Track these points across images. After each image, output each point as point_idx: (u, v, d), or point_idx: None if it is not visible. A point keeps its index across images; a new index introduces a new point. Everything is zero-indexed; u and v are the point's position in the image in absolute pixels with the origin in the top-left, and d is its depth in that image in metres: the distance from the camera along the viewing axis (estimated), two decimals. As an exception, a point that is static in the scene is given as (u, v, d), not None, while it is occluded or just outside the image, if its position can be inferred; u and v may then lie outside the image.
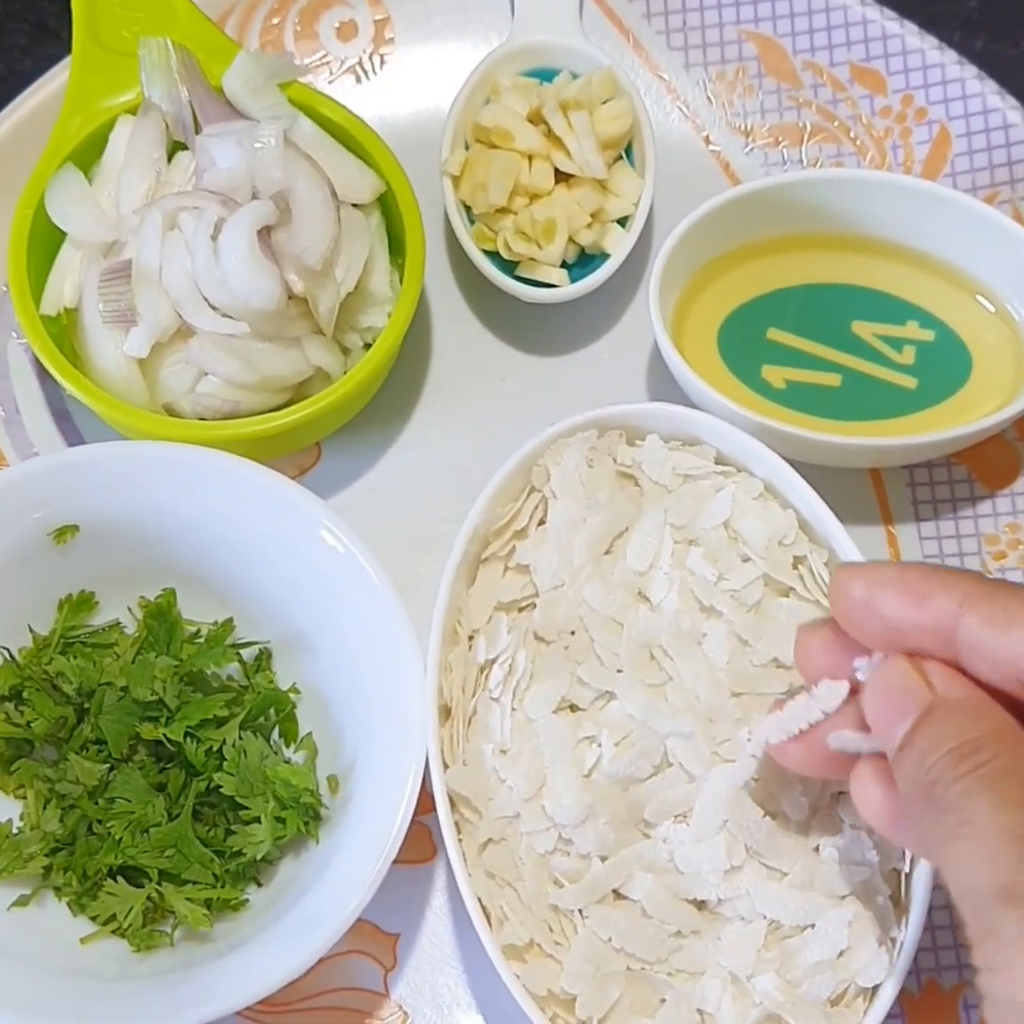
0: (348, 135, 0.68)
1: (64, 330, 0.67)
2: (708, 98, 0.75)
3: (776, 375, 0.69)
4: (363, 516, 0.69)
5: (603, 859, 0.56)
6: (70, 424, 0.71)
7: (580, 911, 0.56)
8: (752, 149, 0.74)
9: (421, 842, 0.65)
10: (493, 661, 0.59)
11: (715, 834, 0.56)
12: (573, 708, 0.59)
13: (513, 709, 0.58)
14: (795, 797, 0.56)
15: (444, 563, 0.67)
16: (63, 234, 0.67)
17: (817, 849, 0.57)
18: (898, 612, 0.48)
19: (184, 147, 0.68)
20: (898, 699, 0.48)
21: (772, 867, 0.56)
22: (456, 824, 0.58)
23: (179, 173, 0.67)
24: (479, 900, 0.56)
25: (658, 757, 0.57)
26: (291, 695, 0.64)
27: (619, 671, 0.58)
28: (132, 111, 0.68)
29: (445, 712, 0.59)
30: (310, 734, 0.64)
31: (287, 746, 0.64)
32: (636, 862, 0.56)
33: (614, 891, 0.57)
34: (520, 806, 0.57)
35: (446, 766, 0.58)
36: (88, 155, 0.68)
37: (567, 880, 0.57)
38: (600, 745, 0.57)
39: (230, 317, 0.63)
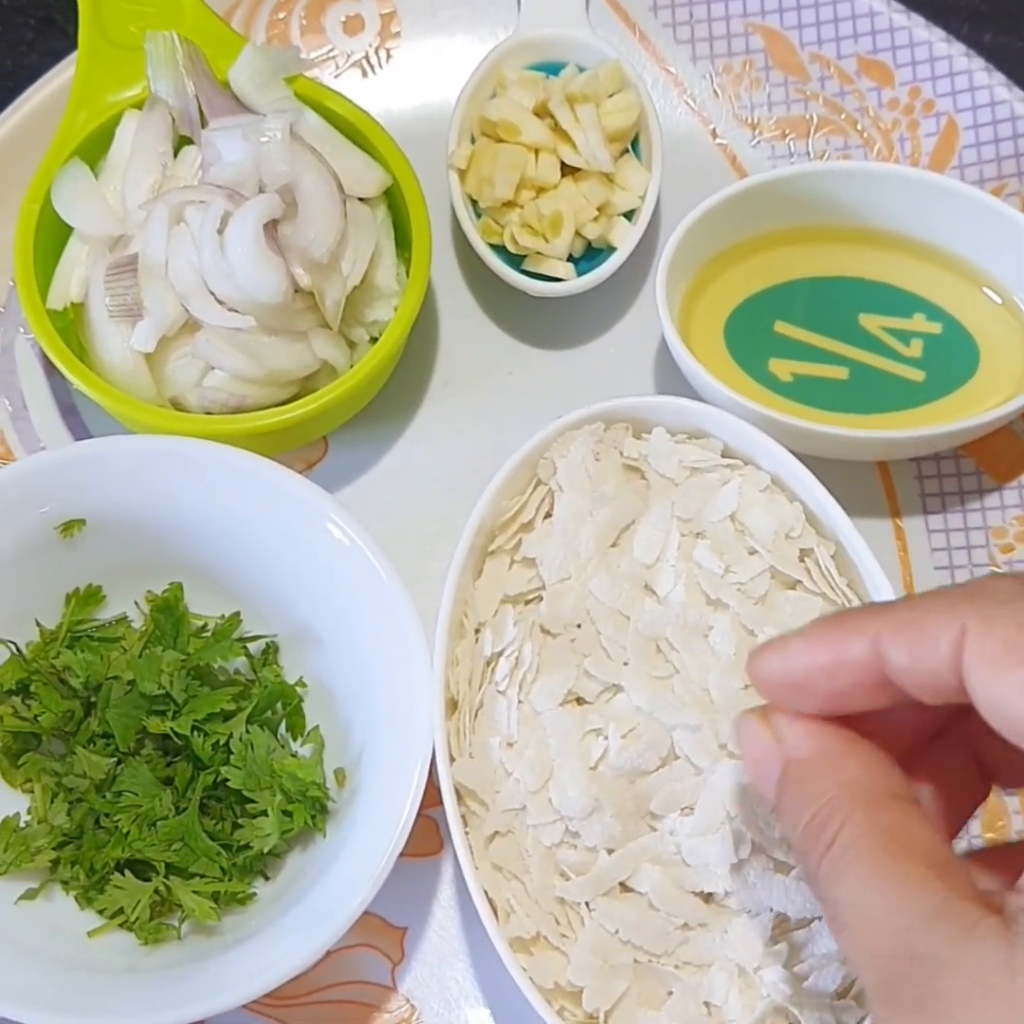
0: (354, 129, 0.68)
1: (71, 324, 0.67)
2: (715, 91, 0.75)
3: (783, 368, 0.69)
4: (370, 510, 0.69)
5: (610, 852, 0.56)
6: (77, 419, 0.71)
7: (587, 904, 0.56)
8: (759, 142, 0.74)
9: (428, 835, 0.65)
10: (499, 654, 0.59)
11: (722, 827, 0.56)
12: (580, 701, 0.59)
13: (520, 702, 0.58)
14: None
15: (451, 557, 0.67)
16: (70, 229, 0.67)
17: (824, 842, 0.57)
18: (804, 662, 0.45)
19: (190, 141, 0.68)
20: (759, 761, 0.47)
21: (779, 860, 0.56)
22: (463, 817, 0.58)
23: (185, 167, 0.67)
24: (486, 893, 0.56)
25: (665, 749, 0.57)
26: (298, 689, 0.64)
27: (626, 664, 0.58)
28: (138, 105, 0.68)
29: (452, 705, 0.59)
30: (317, 727, 0.64)
31: (294, 740, 0.64)
32: (643, 855, 0.56)
33: (621, 884, 0.57)
34: (527, 799, 0.57)
35: (453, 759, 0.58)
36: (94, 150, 0.68)
37: (574, 873, 0.57)
38: (607, 738, 0.57)
39: (237, 311, 0.63)
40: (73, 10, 0.70)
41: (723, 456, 0.62)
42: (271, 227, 0.63)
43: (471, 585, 0.61)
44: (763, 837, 0.56)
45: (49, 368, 0.71)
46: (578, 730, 0.57)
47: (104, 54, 0.69)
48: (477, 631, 0.60)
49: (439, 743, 0.57)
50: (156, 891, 0.60)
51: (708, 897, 0.57)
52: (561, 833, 0.57)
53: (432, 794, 0.58)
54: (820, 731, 0.46)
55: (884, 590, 0.59)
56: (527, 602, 0.61)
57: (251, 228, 0.62)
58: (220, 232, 0.63)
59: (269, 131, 0.64)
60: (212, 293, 0.63)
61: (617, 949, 0.56)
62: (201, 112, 0.67)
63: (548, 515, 0.61)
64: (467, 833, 0.57)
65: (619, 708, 0.58)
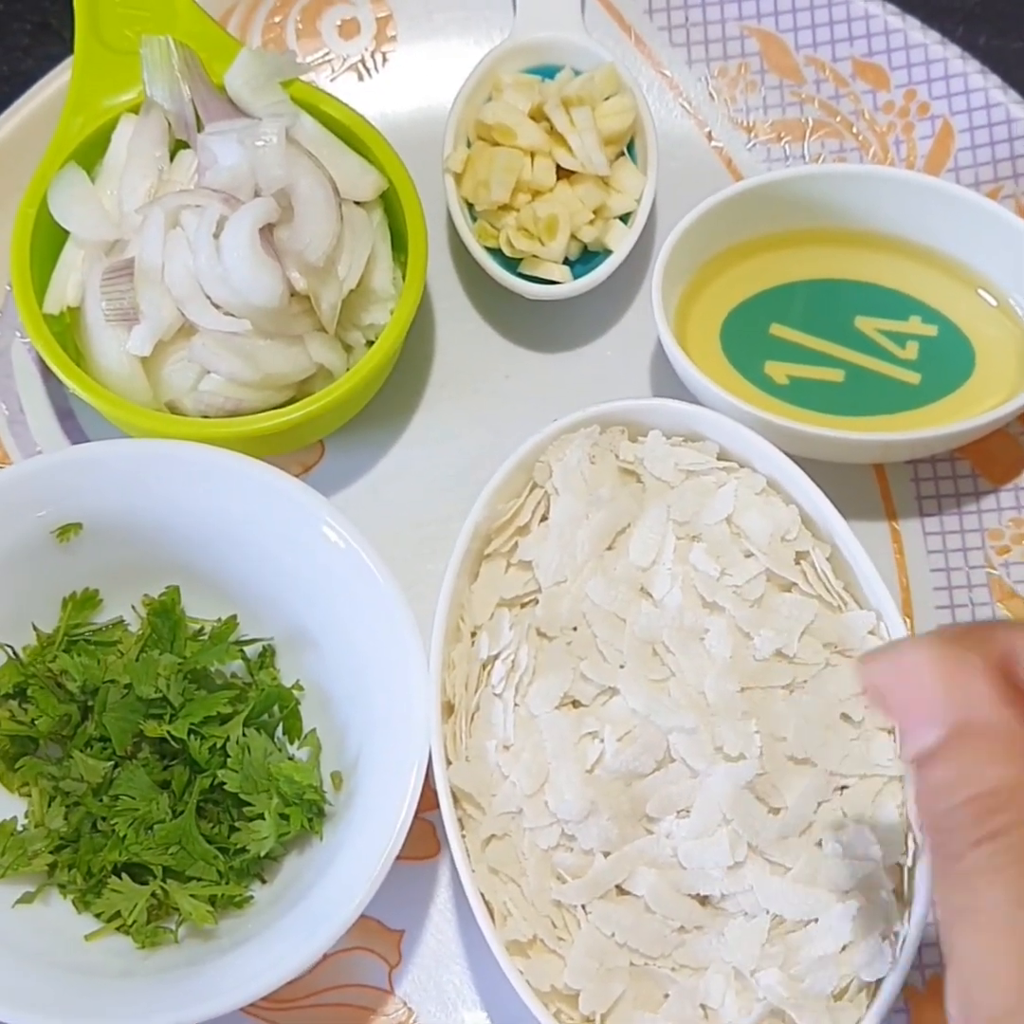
0: (350, 132, 0.68)
1: (67, 329, 0.67)
2: (710, 94, 0.75)
3: (779, 371, 0.69)
4: (366, 513, 0.69)
5: (606, 855, 0.57)
6: (74, 423, 0.71)
7: (583, 907, 0.56)
8: (754, 145, 0.74)
9: (425, 838, 0.65)
10: (495, 657, 0.59)
11: (718, 829, 0.56)
12: (575, 704, 0.59)
13: (516, 705, 0.58)
14: (798, 792, 0.56)
15: (447, 560, 0.67)
16: (66, 233, 0.67)
17: (820, 844, 0.57)
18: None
19: (186, 145, 0.68)
20: (919, 701, 0.41)
21: (775, 862, 0.56)
22: (459, 820, 0.58)
23: (181, 171, 0.67)
24: (482, 896, 0.56)
25: (661, 752, 0.57)
26: (295, 692, 0.64)
27: (622, 667, 0.58)
28: (134, 110, 0.68)
29: (448, 709, 0.59)
30: (314, 730, 0.64)
31: (291, 743, 0.64)
32: (639, 857, 0.56)
33: (617, 886, 0.57)
34: (523, 802, 0.57)
35: (449, 762, 0.58)
36: (91, 154, 0.68)
37: (570, 876, 0.57)
38: (603, 741, 0.57)
39: (232, 315, 0.63)
40: (69, 15, 0.70)
41: (719, 459, 0.62)
42: (267, 231, 0.63)
43: (467, 588, 0.61)
44: (759, 839, 0.56)
45: (46, 372, 0.71)
46: (574, 733, 0.57)
47: (100, 59, 0.69)
48: (473, 634, 0.60)
49: (436, 747, 0.57)
50: (153, 895, 0.60)
51: (704, 900, 0.57)
52: (557, 836, 0.57)
53: (429, 797, 0.58)
54: (1016, 703, 0.40)
55: (880, 593, 0.59)
56: (523, 605, 0.61)
57: (247, 232, 0.62)
58: (216, 236, 0.63)
59: (265, 135, 0.64)
60: (208, 297, 0.63)
61: (613, 952, 0.56)
62: (197, 116, 0.67)
63: (544, 518, 0.62)
64: (464, 836, 0.58)
65: (615, 711, 0.58)
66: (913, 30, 0.73)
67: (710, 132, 0.75)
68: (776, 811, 0.57)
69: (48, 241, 0.67)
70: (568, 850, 0.57)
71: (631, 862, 0.56)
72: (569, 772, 0.57)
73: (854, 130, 0.74)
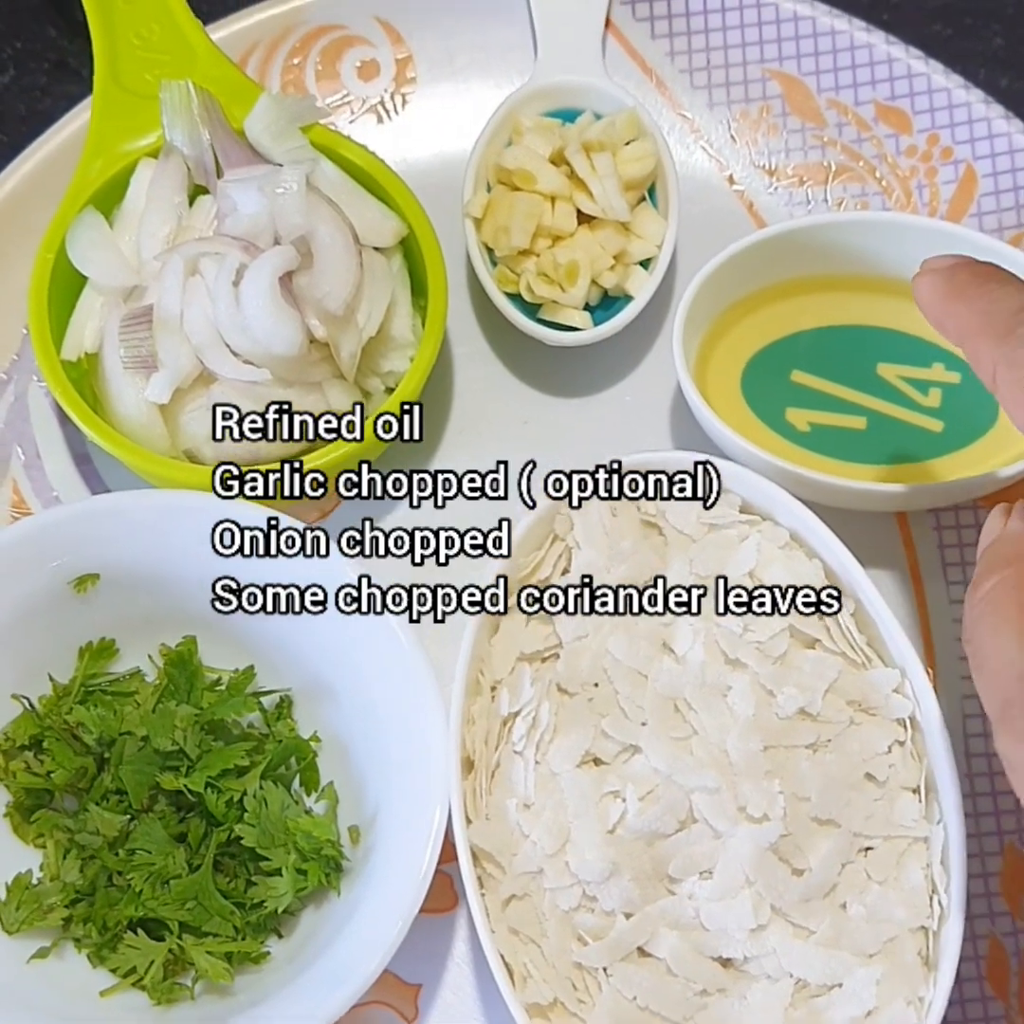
0: (370, 177, 0.68)
1: (85, 375, 0.67)
2: (732, 137, 0.75)
3: (800, 418, 0.69)
4: (382, 560, 0.69)
5: (627, 916, 0.56)
6: (90, 467, 0.71)
7: (604, 969, 0.56)
8: (777, 188, 0.74)
9: (442, 891, 0.64)
10: (516, 714, 0.59)
11: (741, 891, 0.55)
12: (597, 761, 0.58)
13: (536, 763, 0.58)
14: (822, 853, 0.56)
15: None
16: (84, 279, 0.67)
17: (844, 906, 0.56)
18: None
19: (205, 191, 0.67)
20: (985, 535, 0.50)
21: (799, 924, 0.56)
22: (479, 878, 0.57)
23: (201, 217, 0.66)
24: (502, 957, 0.56)
25: (683, 812, 0.56)
26: (312, 743, 0.64)
27: (643, 724, 0.58)
28: (153, 154, 0.68)
29: (467, 764, 0.58)
30: (331, 783, 0.63)
31: (307, 795, 0.64)
32: (661, 919, 0.56)
33: (639, 948, 0.56)
34: (544, 862, 0.56)
35: (469, 820, 0.57)
36: (109, 198, 0.68)
37: (591, 937, 0.56)
38: (625, 800, 0.57)
39: (251, 363, 0.63)
40: (87, 54, 0.70)
41: (741, 512, 0.62)
42: (287, 279, 0.63)
43: (487, 641, 0.60)
44: (783, 901, 0.55)
45: (62, 417, 0.71)
46: (595, 792, 0.57)
47: (119, 102, 0.68)
48: (493, 689, 0.60)
49: (456, 804, 0.57)
50: (169, 950, 0.60)
51: (727, 962, 0.56)
52: (579, 897, 0.56)
53: (447, 850, 0.57)
54: None
55: (904, 649, 0.59)
56: (544, 660, 0.60)
57: (267, 281, 0.62)
58: (236, 284, 0.63)
59: (285, 183, 0.63)
60: (227, 345, 0.63)
61: (635, 1015, 0.55)
62: (217, 161, 0.67)
63: (565, 571, 0.61)
64: (483, 895, 0.57)
65: (637, 769, 0.57)
66: (936, 73, 0.73)
67: (731, 175, 0.74)
68: (800, 873, 0.56)
69: (66, 286, 0.66)
70: (589, 911, 0.56)
71: (653, 923, 0.56)
72: (590, 832, 0.56)
73: (877, 174, 0.73)
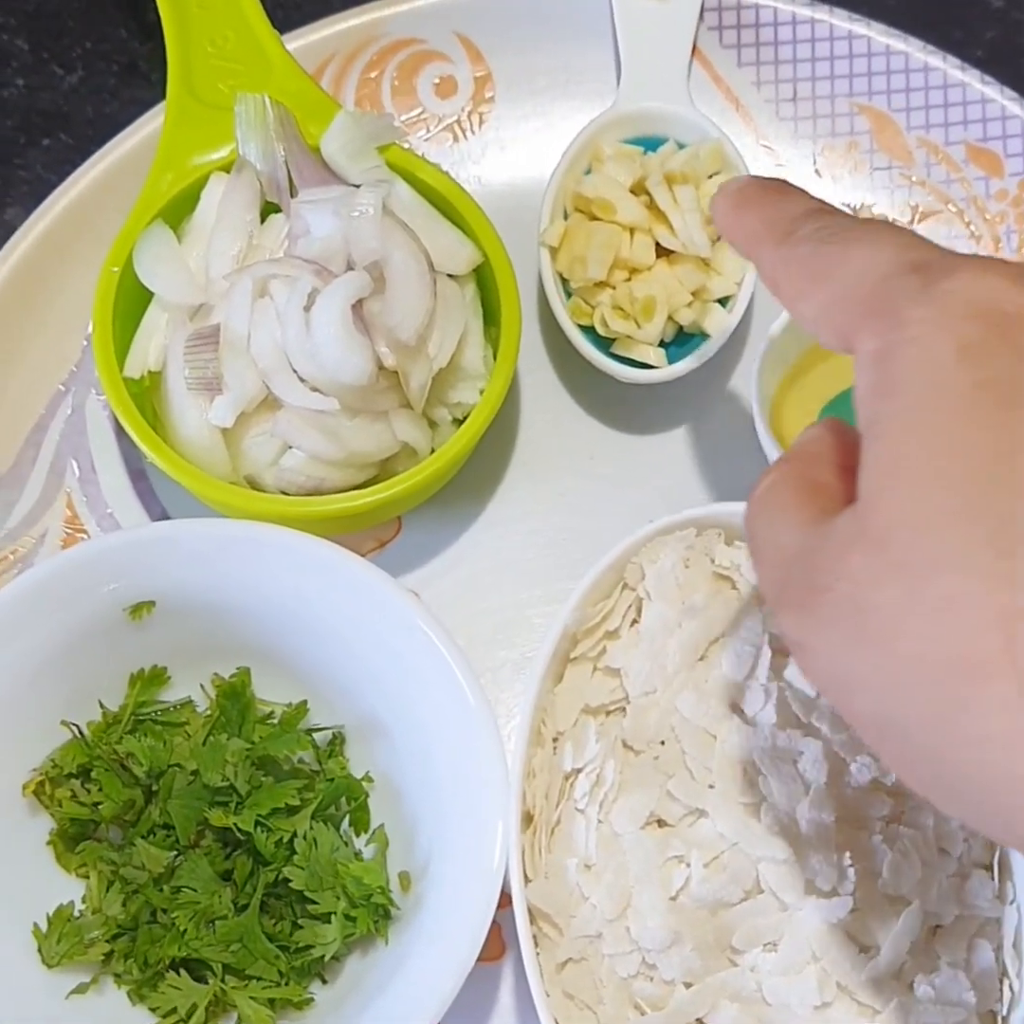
0: (446, 201, 0.66)
1: (145, 391, 0.65)
2: (817, 171, 0.72)
3: (876, 467, 0.66)
4: (440, 594, 0.67)
5: (687, 986, 0.54)
6: (146, 484, 0.69)
7: (662, 1040, 0.54)
8: (859, 227, 0.72)
9: (491, 940, 0.62)
10: (579, 770, 0.57)
11: (806, 967, 0.54)
12: (661, 823, 0.56)
13: (599, 822, 0.56)
14: (892, 931, 0.54)
15: (524, 647, 0.66)
16: (150, 294, 0.65)
17: (912, 986, 0.54)
18: None
19: (277, 208, 0.66)
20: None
21: (864, 1003, 0.54)
22: (534, 937, 0.55)
23: (272, 236, 0.65)
24: (556, 1022, 0.54)
25: (749, 882, 0.55)
26: (364, 784, 0.62)
27: (711, 786, 0.56)
28: (225, 168, 0.66)
29: (527, 818, 0.57)
30: (382, 826, 0.62)
31: (357, 836, 0.62)
32: (722, 991, 0.54)
33: (698, 1020, 0.54)
34: (603, 926, 0.55)
35: (527, 879, 0.55)
36: (178, 212, 0.66)
37: (649, 1006, 0.54)
38: (689, 865, 0.55)
39: (319, 390, 0.61)
40: (158, 58, 0.68)
41: (818, 568, 0.60)
42: (358, 305, 0.61)
43: (551, 691, 0.59)
44: (849, 979, 0.54)
45: (119, 431, 0.69)
46: (659, 856, 0.55)
47: (192, 113, 0.67)
48: (555, 740, 0.58)
49: (514, 861, 0.55)
50: (213, 994, 0.58)
51: (788, 1039, 0.54)
52: (638, 964, 0.54)
53: (499, 898, 0.56)
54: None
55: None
56: (608, 713, 0.58)
57: (339, 309, 0.60)
58: (306, 309, 0.61)
59: (361, 206, 0.62)
60: (295, 371, 0.61)
61: (692, 1090, 0.53)
62: (290, 178, 0.65)
63: (634, 622, 0.59)
64: (538, 953, 0.55)
65: (703, 834, 0.55)
66: (1030, 116, 0.71)
67: (814, 211, 0.72)
68: (867, 950, 0.54)
69: (132, 300, 0.65)
70: (648, 979, 0.55)
71: (714, 995, 0.54)
72: (653, 898, 0.54)
73: (965, 218, 0.71)
